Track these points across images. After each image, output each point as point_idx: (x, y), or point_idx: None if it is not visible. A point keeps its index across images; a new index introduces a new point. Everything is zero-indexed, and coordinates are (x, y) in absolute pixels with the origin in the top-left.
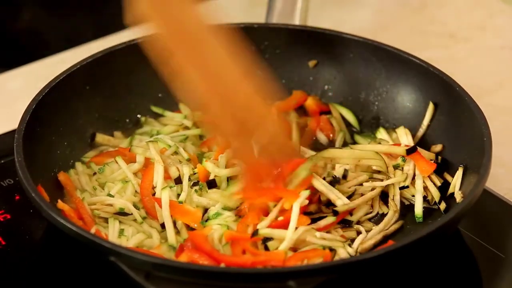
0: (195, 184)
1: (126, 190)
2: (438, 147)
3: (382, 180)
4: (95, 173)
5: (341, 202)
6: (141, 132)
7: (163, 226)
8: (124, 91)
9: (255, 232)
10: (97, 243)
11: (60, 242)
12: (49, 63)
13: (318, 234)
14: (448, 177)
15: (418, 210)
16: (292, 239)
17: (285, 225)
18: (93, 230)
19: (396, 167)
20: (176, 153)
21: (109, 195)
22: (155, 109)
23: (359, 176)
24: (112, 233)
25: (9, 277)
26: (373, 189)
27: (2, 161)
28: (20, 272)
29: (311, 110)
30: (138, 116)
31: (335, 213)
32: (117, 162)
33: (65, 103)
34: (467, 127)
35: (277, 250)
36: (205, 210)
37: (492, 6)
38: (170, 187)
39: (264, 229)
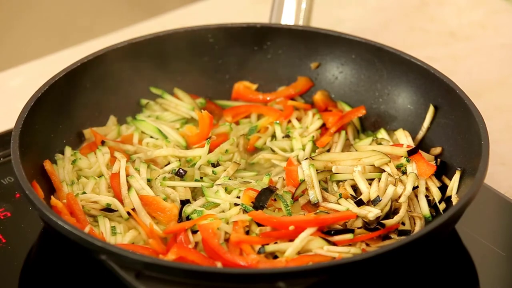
0: (177, 173)
1: (100, 186)
2: (437, 150)
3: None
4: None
5: (372, 214)
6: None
7: None
8: (124, 90)
9: (261, 249)
10: (88, 241)
11: (56, 240)
12: (50, 61)
13: (325, 247)
14: (446, 180)
15: (425, 210)
16: (298, 247)
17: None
18: (87, 229)
19: (398, 167)
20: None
21: (84, 192)
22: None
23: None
24: (105, 231)
25: (9, 274)
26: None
27: (3, 159)
28: (20, 270)
29: (318, 106)
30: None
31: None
32: (95, 154)
33: (64, 101)
34: (466, 130)
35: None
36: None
37: (493, 5)
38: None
39: (270, 246)
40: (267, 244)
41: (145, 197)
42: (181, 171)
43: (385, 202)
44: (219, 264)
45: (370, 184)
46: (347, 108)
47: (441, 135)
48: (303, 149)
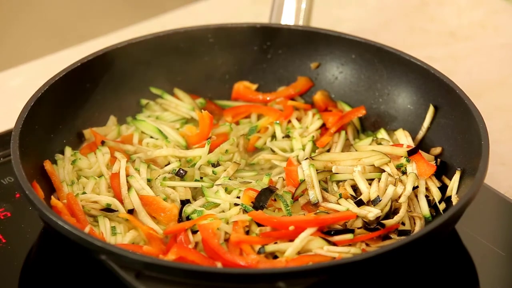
0: (178, 174)
1: (100, 186)
2: (437, 150)
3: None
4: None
5: (372, 214)
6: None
7: None
8: (124, 90)
9: (261, 249)
10: (88, 241)
11: (56, 240)
12: (50, 61)
13: (325, 247)
14: (446, 180)
15: (425, 210)
16: (298, 247)
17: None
18: (87, 229)
19: (398, 167)
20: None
21: (84, 192)
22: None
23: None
24: (105, 231)
25: (9, 274)
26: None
27: (3, 159)
28: (20, 270)
29: (318, 106)
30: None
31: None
32: (95, 155)
33: (64, 101)
34: (466, 130)
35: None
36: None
37: (493, 5)
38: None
39: (270, 246)
40: (267, 244)
41: (145, 197)
42: (181, 171)
43: (385, 202)
44: (219, 264)
45: (370, 184)
46: (347, 108)
47: (441, 135)
48: (303, 149)
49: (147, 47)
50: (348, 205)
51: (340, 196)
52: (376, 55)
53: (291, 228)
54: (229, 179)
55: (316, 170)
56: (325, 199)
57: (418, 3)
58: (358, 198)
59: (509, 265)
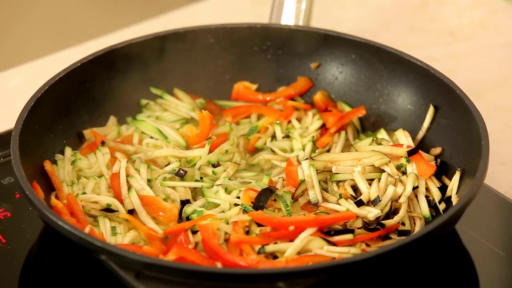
0: (178, 174)
1: (100, 186)
2: (437, 150)
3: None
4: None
5: (372, 214)
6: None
7: None
8: (124, 90)
9: (261, 249)
10: (88, 241)
11: (56, 240)
12: (50, 61)
13: (325, 248)
14: (446, 180)
15: (425, 211)
16: (298, 247)
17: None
18: (87, 229)
19: (398, 167)
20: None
21: (84, 192)
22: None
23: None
24: (105, 232)
25: (9, 274)
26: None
27: (3, 159)
28: (20, 270)
29: (318, 106)
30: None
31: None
32: (95, 155)
33: (64, 101)
34: (466, 130)
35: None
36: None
37: (493, 4)
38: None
39: (270, 246)
40: (267, 244)
41: (145, 197)
42: (181, 171)
43: (385, 202)
44: (219, 264)
45: (370, 184)
46: (347, 108)
47: (441, 135)
48: (303, 149)
49: (147, 47)
50: (348, 205)
51: (340, 196)
52: (376, 55)
53: (291, 228)
54: (229, 179)
55: (316, 170)
56: (325, 199)
57: (418, 3)
58: (358, 198)
59: (509, 265)
